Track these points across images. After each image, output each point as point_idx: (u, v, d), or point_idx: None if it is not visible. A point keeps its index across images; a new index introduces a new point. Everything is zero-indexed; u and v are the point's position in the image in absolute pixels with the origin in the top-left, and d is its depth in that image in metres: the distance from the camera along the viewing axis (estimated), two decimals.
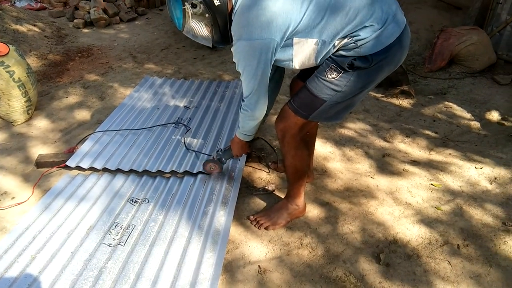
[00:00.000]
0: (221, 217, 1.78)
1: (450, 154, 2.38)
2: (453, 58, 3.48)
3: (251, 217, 1.87)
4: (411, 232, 1.79)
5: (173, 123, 2.57)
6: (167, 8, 1.57)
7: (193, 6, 1.44)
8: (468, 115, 2.84)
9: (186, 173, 2.12)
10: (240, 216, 1.89)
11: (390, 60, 1.43)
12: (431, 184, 2.11)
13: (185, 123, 2.56)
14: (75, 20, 4.93)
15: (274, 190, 2.05)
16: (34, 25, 4.45)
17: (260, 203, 1.98)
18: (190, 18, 1.49)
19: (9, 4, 5.45)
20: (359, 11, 1.34)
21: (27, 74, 2.68)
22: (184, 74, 3.57)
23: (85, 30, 4.83)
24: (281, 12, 1.34)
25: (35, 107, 2.83)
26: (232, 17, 1.45)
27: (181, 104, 2.83)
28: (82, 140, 2.41)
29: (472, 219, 1.87)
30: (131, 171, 2.12)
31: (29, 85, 2.69)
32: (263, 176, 2.17)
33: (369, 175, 2.18)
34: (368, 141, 2.51)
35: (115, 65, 3.78)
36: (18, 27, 4.18)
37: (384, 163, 2.29)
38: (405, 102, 3.04)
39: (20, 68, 2.63)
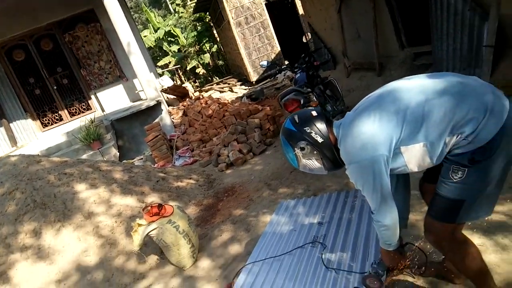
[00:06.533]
0: None
1: None
2: None
3: None
4: None
5: (309, 243, 2.74)
6: (283, 153, 1.91)
7: (302, 149, 1.75)
8: None
9: None
10: None
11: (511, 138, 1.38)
12: None
13: (320, 241, 2.70)
14: (219, 165, 5.91)
15: None
16: (190, 178, 5.48)
17: None
18: (302, 158, 1.79)
19: (170, 165, 6.90)
20: (455, 110, 1.40)
21: (188, 224, 3.30)
22: (313, 190, 3.83)
23: (228, 171, 5.71)
24: (380, 131, 1.50)
25: (198, 250, 3.38)
26: (338, 146, 1.69)
27: (315, 221, 3.02)
28: (237, 274, 2.74)
29: None
30: None
31: (191, 233, 3.28)
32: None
33: None
34: None
35: (254, 196, 4.30)
36: (179, 183, 5.22)
37: None
38: None
39: (183, 221, 3.27)
